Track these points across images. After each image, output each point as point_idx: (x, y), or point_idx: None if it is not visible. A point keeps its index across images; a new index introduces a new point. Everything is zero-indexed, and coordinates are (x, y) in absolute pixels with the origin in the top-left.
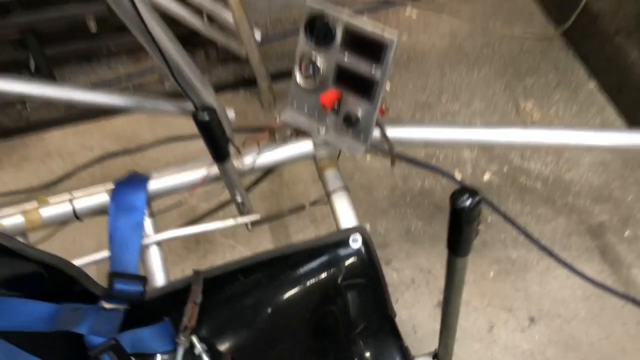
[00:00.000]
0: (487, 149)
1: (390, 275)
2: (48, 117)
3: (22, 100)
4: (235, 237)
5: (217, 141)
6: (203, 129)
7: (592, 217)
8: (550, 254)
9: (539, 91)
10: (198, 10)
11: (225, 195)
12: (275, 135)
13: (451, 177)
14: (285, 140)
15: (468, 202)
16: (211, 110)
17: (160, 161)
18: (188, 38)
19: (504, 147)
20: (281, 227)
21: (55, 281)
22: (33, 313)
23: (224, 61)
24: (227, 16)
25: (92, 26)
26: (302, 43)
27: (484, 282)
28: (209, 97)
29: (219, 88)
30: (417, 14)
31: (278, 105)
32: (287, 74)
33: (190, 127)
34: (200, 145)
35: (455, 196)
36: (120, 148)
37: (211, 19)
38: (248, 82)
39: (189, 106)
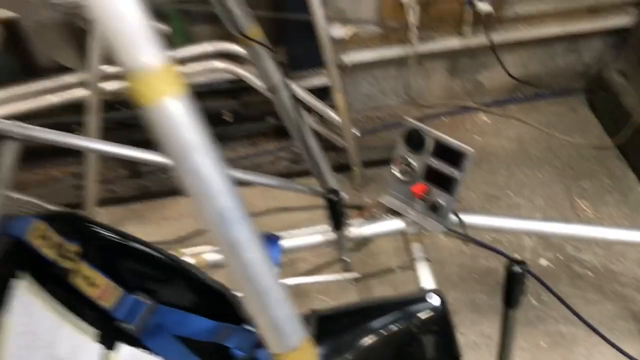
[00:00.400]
0: (544, 239)
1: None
2: None
3: (165, 169)
4: (327, 294)
5: (337, 216)
6: (330, 206)
7: (636, 305)
8: (597, 332)
9: (594, 193)
10: (308, 108)
11: (325, 257)
12: (371, 213)
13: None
14: (382, 217)
15: (517, 269)
16: (337, 192)
17: (270, 227)
18: None
19: (559, 238)
20: (366, 289)
21: (216, 304)
22: (201, 326)
23: (323, 149)
24: (332, 114)
25: (228, 117)
26: (401, 147)
27: (537, 351)
28: (332, 181)
29: None
30: (489, 119)
31: (367, 189)
32: (376, 163)
33: (295, 200)
34: (302, 216)
35: (508, 264)
36: None
37: (319, 115)
38: (342, 168)
39: (316, 187)
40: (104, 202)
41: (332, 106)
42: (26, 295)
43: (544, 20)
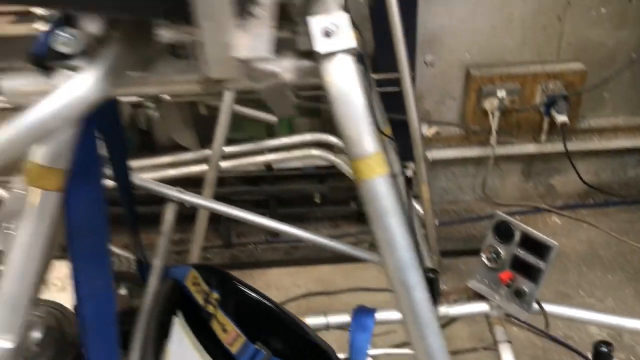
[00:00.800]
0: (616, 339)
1: None
2: (271, 258)
3: (259, 242)
4: None
5: (434, 293)
6: (428, 283)
7: None
8: None
9: None
10: None
11: None
12: (452, 298)
13: (585, 357)
14: (468, 300)
15: (604, 349)
16: (436, 271)
17: (350, 305)
18: None
19: (631, 339)
20: None
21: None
22: None
23: None
24: (414, 203)
25: (317, 199)
26: (490, 237)
27: None
28: (429, 260)
29: None
30: (561, 221)
31: (443, 277)
32: (450, 253)
33: (374, 281)
34: (381, 296)
35: (596, 344)
36: (320, 289)
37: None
38: None
39: None
40: None
41: (414, 196)
42: (179, 332)
43: (616, 133)
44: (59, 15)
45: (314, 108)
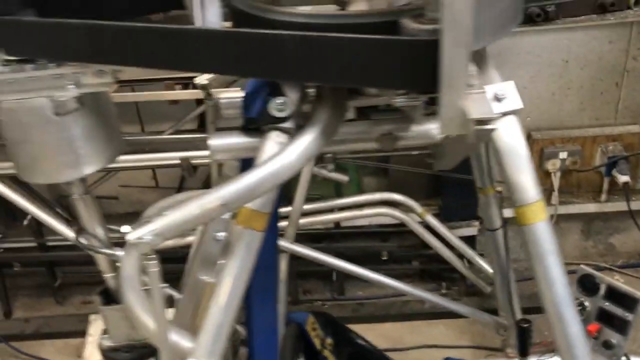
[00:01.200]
0: None
1: None
2: (338, 315)
3: (326, 299)
4: None
5: (525, 342)
6: (521, 332)
7: None
8: None
9: None
10: (460, 254)
11: None
12: (544, 347)
13: None
14: (556, 352)
15: None
16: (529, 321)
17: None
18: (445, 273)
19: None
20: None
21: None
22: None
23: (467, 294)
24: (480, 261)
25: (385, 256)
26: (574, 290)
27: None
28: (519, 312)
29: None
30: (623, 279)
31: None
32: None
33: (441, 338)
34: (449, 353)
35: None
36: (389, 346)
37: (470, 262)
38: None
39: (501, 319)
40: None
41: (481, 254)
42: None
43: None
44: (271, 83)
45: (382, 168)
